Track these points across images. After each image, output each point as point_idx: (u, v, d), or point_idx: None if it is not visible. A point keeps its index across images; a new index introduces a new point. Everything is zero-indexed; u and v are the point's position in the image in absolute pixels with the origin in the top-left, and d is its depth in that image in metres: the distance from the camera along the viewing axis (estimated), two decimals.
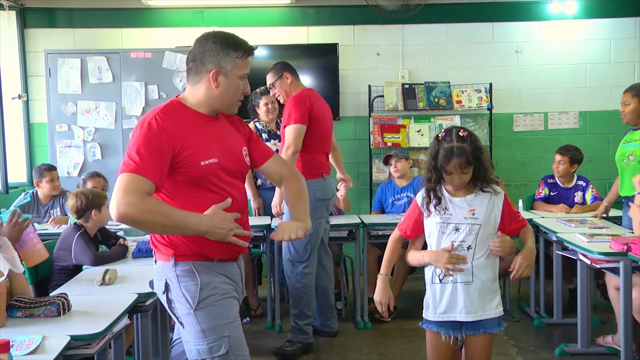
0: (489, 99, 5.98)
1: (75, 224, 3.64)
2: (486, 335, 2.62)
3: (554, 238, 4.25)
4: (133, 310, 2.74)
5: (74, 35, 6.07)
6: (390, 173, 5.21)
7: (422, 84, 6.01)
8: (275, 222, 4.40)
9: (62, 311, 2.51)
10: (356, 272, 4.80)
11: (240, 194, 2.39)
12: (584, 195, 5.04)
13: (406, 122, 5.98)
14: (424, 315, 2.69)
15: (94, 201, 3.60)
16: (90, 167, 5.42)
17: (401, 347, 4.31)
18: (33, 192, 4.88)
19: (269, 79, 4.28)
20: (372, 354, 4.23)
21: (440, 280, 2.63)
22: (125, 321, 2.67)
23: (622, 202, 4.25)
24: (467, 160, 2.53)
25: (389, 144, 5.88)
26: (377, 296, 2.73)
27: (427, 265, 2.68)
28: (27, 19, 6.06)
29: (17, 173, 5.97)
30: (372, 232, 4.71)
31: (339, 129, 5.73)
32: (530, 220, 4.12)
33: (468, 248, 2.58)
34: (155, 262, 2.38)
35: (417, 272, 4.60)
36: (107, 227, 3.83)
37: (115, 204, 2.09)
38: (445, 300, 2.61)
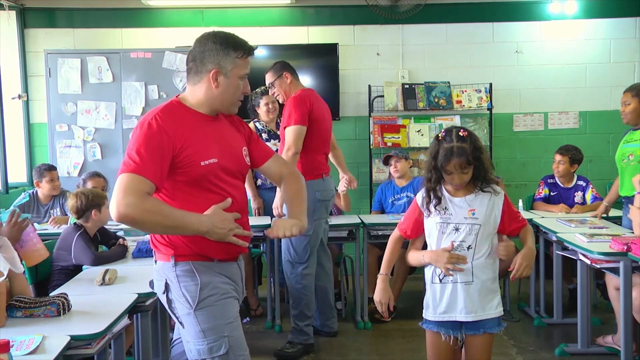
0: (489, 99, 5.98)
1: (75, 224, 3.64)
2: (486, 335, 2.62)
3: (554, 238, 4.25)
4: (133, 310, 2.74)
5: (74, 35, 6.07)
6: (390, 173, 5.21)
7: (422, 84, 6.01)
8: None
9: (62, 311, 2.51)
10: (356, 272, 4.80)
11: (240, 194, 2.39)
12: (584, 195, 5.04)
13: (406, 122, 5.97)
14: (424, 315, 2.69)
15: (94, 201, 3.60)
16: (90, 167, 5.42)
17: (401, 347, 4.31)
18: (33, 192, 4.89)
19: (268, 78, 4.26)
20: (372, 354, 4.23)
21: (440, 280, 2.63)
22: (125, 321, 2.67)
23: (622, 202, 4.25)
24: (467, 160, 2.53)
25: (389, 144, 5.88)
26: (377, 296, 2.73)
27: (427, 265, 2.68)
28: (27, 19, 6.06)
29: (17, 173, 5.96)
30: (372, 232, 4.71)
31: (339, 129, 5.73)
32: (530, 220, 4.12)
33: (468, 248, 2.58)
34: (155, 262, 2.38)
35: (417, 272, 4.60)
36: (107, 227, 3.83)
37: (115, 204, 2.09)
38: (445, 300, 2.61)
